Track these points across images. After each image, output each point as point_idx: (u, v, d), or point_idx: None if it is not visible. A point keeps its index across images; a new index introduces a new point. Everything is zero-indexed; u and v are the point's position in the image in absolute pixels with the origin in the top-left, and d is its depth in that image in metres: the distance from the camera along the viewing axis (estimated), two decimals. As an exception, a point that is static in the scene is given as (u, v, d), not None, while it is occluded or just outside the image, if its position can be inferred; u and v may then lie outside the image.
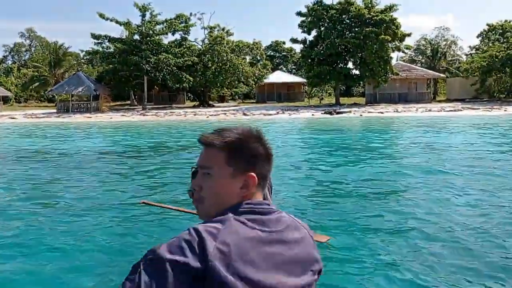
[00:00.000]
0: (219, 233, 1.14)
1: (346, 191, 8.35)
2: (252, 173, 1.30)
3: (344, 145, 15.85)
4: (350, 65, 43.90)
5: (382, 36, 38.84)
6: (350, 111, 33.48)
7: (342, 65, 43.26)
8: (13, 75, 67.60)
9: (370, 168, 10.75)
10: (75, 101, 42.33)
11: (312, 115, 32.82)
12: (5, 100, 56.46)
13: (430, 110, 33.66)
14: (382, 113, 32.56)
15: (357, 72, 43.94)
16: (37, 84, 56.16)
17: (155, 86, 50.31)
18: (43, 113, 39.78)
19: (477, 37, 62.25)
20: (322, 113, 33.37)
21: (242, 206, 1.27)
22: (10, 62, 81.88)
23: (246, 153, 1.32)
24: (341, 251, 4.97)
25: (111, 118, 34.82)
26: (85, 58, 73.58)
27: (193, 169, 1.60)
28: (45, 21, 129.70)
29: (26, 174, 10.54)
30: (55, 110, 41.78)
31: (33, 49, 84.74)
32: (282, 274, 1.21)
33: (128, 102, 54.93)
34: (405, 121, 26.61)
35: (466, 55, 64.72)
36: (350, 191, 8.27)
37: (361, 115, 31.48)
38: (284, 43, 77.10)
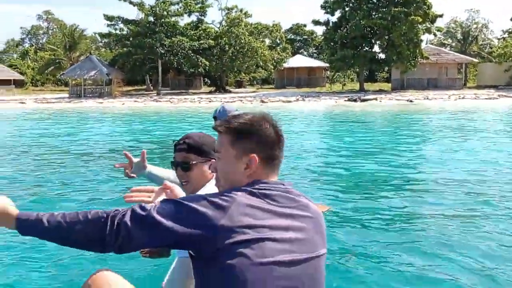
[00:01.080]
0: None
1: (362, 181, 7.42)
2: (254, 155, 1.45)
3: (368, 136, 13.81)
4: (376, 48, 41.31)
5: (412, 16, 36.05)
6: (375, 98, 31.13)
7: (367, 48, 40.65)
8: (29, 58, 66.72)
9: (394, 162, 8.98)
10: (88, 86, 40.82)
11: (335, 102, 30.63)
12: (21, 83, 55.68)
13: (463, 98, 31.07)
14: (411, 100, 30.13)
15: (383, 56, 41.34)
16: (52, 67, 54.97)
17: (171, 71, 48.54)
18: (54, 98, 38.47)
19: (511, 20, 58.66)
20: (345, 100, 31.14)
21: (258, 185, 1.42)
22: (27, 45, 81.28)
23: (250, 137, 1.47)
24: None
25: (123, 103, 33.25)
26: (103, 41, 72.45)
27: (175, 142, 2.14)
28: (63, 4, 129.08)
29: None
30: (68, 95, 40.50)
31: (50, 31, 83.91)
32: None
33: (144, 87, 53.31)
34: (438, 109, 24.20)
35: (498, 39, 61.04)
36: (367, 182, 7.31)
37: (390, 102, 29.12)
38: (305, 26, 74.18)
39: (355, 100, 30.26)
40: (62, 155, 10.88)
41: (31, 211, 1.41)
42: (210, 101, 33.78)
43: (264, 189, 1.40)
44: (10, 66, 59.20)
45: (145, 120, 21.43)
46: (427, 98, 31.34)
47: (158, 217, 1.31)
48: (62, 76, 41.95)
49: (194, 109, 28.41)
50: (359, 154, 10.30)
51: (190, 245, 1.35)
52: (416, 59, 39.15)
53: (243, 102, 32.72)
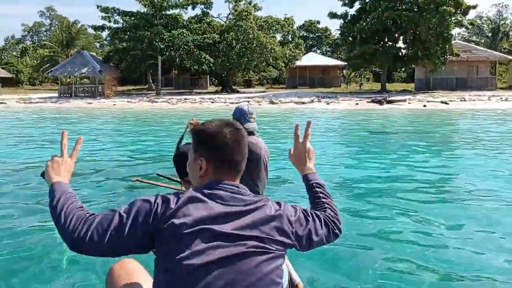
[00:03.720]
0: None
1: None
2: (203, 158, 1.56)
3: (406, 150, 9.77)
4: (400, 43, 36.89)
5: (443, 7, 31.62)
6: (404, 100, 26.82)
7: (390, 43, 36.29)
8: (28, 56, 63.44)
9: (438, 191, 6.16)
10: (80, 85, 36.87)
11: (356, 104, 26.40)
12: (14, 82, 52.34)
13: (506, 100, 26.65)
14: (446, 103, 25.73)
15: (406, 51, 36.90)
16: (48, 65, 51.36)
17: (173, 69, 44.58)
18: (42, 98, 34.75)
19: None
20: (368, 102, 26.92)
21: (209, 185, 1.53)
22: (29, 42, 78.10)
23: (207, 142, 1.57)
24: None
25: (114, 104, 29.39)
26: (107, 39, 68.88)
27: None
28: (67, 4, 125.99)
29: None
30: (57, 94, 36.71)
31: (52, 28, 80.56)
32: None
33: (146, 86, 49.44)
34: (488, 115, 19.89)
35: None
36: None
37: (424, 106, 24.73)
38: (318, 22, 70.14)
39: (380, 102, 25.99)
40: None
41: (68, 186, 1.57)
42: (213, 102, 29.80)
43: (215, 189, 1.49)
44: (6, 64, 55.95)
45: (129, 123, 17.46)
46: (464, 100, 26.97)
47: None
48: (50, 73, 38.14)
49: (195, 110, 24.39)
50: (386, 173, 6.24)
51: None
52: (446, 56, 34.75)
53: (250, 103, 28.68)
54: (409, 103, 26.11)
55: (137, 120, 19.45)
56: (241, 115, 3.62)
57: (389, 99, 26.90)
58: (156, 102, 30.34)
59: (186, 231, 1.37)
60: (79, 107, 27.48)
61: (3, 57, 66.40)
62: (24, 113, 23.55)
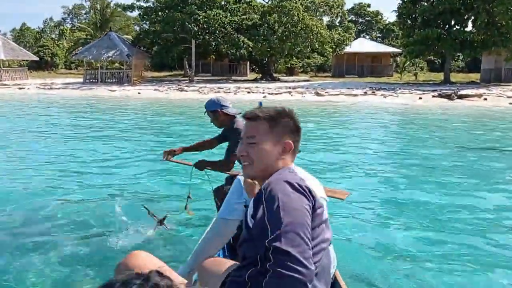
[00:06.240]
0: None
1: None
2: (289, 141, 1.66)
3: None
4: (469, 27, 31.73)
5: (526, -16, 26.37)
6: (479, 94, 22.10)
7: (458, 27, 31.23)
8: (65, 38, 61.94)
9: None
10: (106, 70, 33.84)
11: (420, 98, 21.95)
12: (53, 65, 50.80)
13: None
14: (533, 99, 20.88)
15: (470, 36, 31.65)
16: (81, 48, 49.23)
17: (210, 54, 41.05)
18: (65, 83, 32.17)
19: None
20: (434, 96, 22.42)
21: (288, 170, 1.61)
22: (69, 25, 76.87)
23: (284, 124, 1.66)
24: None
25: (138, 93, 26.22)
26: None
27: None
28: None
29: None
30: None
31: (92, 11, 78.98)
32: None
33: (182, 72, 46.27)
34: None
35: None
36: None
37: (510, 103, 19.97)
38: (369, 6, 64.87)
39: (449, 97, 21.44)
40: None
41: None
42: (249, 92, 26.13)
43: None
44: (41, 46, 54.41)
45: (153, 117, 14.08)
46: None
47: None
48: (75, 56, 35.54)
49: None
50: None
51: None
52: (525, 42, 29.44)
53: (291, 94, 24.77)
54: (485, 98, 21.43)
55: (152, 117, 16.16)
56: (218, 105, 3.71)
57: (461, 93, 22.27)
58: (186, 91, 26.97)
59: None
60: (97, 96, 24.48)
61: (41, 40, 65.33)
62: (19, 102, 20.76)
